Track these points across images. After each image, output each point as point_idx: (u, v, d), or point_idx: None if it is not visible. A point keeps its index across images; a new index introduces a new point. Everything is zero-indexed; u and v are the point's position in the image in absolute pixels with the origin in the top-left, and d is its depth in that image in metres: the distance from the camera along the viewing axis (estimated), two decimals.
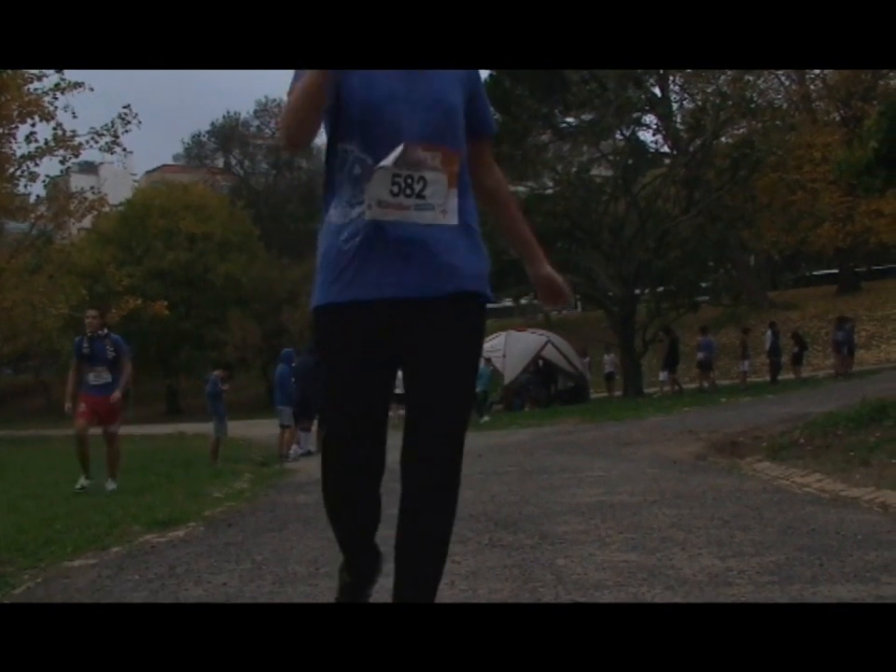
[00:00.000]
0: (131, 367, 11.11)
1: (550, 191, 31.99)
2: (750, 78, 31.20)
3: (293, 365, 17.10)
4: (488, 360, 27.26)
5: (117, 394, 10.61)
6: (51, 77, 29.28)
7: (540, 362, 30.17)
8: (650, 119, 34.09)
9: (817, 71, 38.17)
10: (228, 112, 79.26)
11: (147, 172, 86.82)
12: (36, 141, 29.97)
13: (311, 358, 16.08)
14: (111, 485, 10.66)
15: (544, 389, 29.95)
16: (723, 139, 32.05)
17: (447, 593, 4.33)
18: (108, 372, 10.61)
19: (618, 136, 32.17)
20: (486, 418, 25.08)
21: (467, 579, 4.64)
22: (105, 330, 10.98)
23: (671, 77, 35.02)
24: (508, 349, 28.63)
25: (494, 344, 29.49)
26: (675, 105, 33.00)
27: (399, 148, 2.72)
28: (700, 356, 28.08)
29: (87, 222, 36.14)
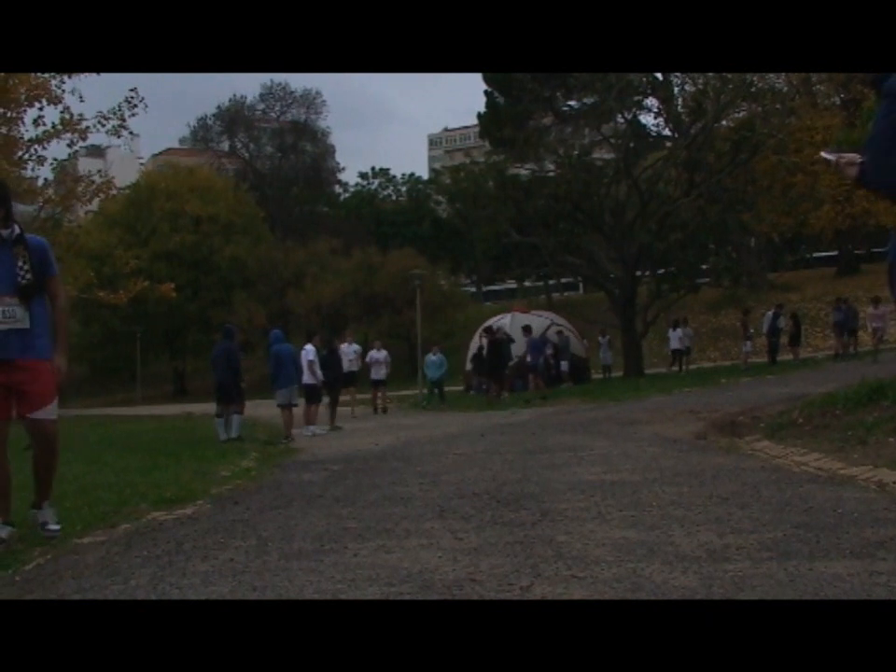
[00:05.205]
0: (65, 299, 6.16)
1: (551, 174, 32.05)
2: None
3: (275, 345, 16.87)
4: (436, 350, 27.13)
5: (60, 361, 5.93)
6: None
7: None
8: (651, 102, 34.02)
9: None
10: (234, 95, 79.40)
11: (154, 155, 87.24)
12: (44, 124, 29.91)
13: (229, 344, 16.19)
14: (52, 523, 6.05)
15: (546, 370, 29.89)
16: (724, 122, 31.99)
17: (450, 569, 4.41)
18: (20, 306, 5.73)
19: (619, 119, 32.17)
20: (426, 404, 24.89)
21: (469, 554, 4.72)
22: (16, 228, 5.81)
23: None
24: (513, 330, 28.63)
25: (500, 325, 29.54)
26: (676, 89, 32.85)
27: None
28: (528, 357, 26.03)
29: (94, 205, 36.14)
